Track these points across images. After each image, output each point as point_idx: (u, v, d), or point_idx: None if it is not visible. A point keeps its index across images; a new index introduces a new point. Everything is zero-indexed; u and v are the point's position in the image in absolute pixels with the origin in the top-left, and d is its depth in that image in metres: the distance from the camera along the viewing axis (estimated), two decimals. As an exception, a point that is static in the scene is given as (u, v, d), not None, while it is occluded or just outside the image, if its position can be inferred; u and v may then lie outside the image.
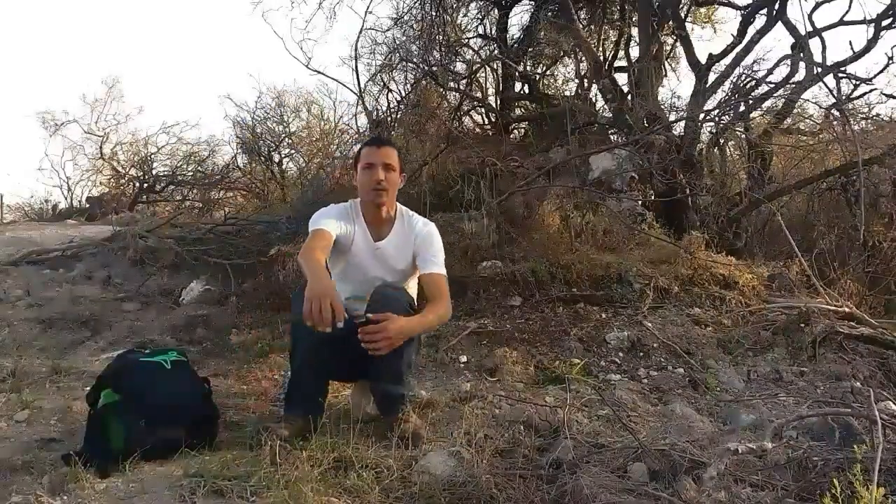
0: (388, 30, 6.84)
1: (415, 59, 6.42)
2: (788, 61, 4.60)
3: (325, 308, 1.83)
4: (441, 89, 6.34)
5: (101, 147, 13.05)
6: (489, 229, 4.11)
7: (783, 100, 4.62)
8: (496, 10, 7.19)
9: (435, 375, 3.01)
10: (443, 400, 2.58)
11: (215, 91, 32.24)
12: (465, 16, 7.35)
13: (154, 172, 12.68)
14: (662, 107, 5.33)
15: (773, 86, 4.63)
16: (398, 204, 2.38)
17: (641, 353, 3.21)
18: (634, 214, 4.74)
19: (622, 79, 6.22)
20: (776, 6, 4.70)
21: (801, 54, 4.48)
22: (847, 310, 3.35)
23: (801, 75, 4.47)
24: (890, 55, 4.38)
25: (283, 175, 9.89)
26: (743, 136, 4.77)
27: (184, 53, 35.33)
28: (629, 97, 5.37)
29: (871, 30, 4.41)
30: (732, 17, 6.57)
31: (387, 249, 2.32)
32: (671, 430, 2.20)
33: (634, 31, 6.38)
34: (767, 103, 4.70)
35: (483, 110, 7.06)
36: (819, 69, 4.37)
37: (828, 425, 2.03)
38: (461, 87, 6.54)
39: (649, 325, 3.38)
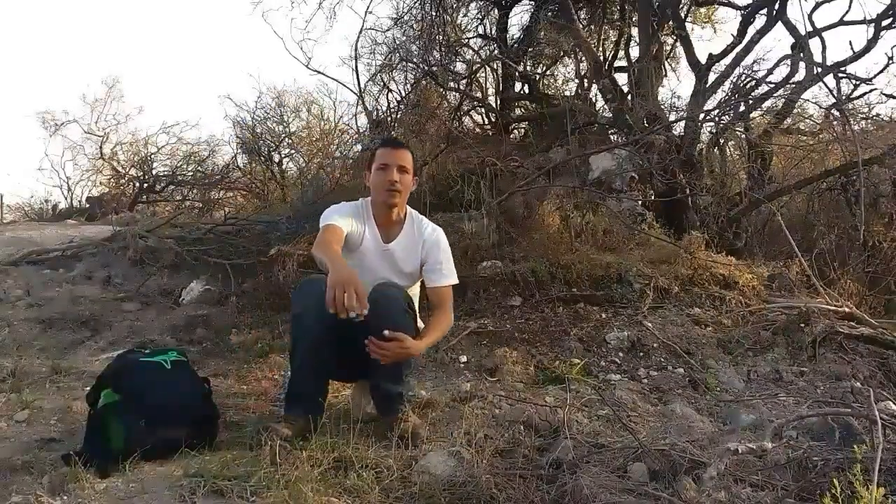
0: (388, 30, 6.85)
1: (415, 59, 6.43)
2: (788, 61, 4.60)
3: (350, 295, 1.85)
4: (441, 89, 6.34)
5: (101, 147, 13.05)
6: (489, 229, 4.11)
7: (783, 100, 4.62)
8: (496, 10, 7.19)
9: (435, 375, 3.01)
10: (443, 400, 2.58)
11: (215, 91, 32.26)
12: (465, 16, 7.37)
13: (154, 172, 12.68)
14: (662, 107, 5.32)
15: (773, 86, 4.63)
16: (408, 207, 2.39)
17: (641, 353, 3.21)
18: (634, 214, 4.74)
19: (622, 79, 6.22)
20: (776, 6, 4.70)
21: (801, 54, 4.48)
22: (847, 310, 3.35)
23: (801, 75, 4.47)
24: (890, 55, 4.38)
25: (283, 175, 9.89)
26: (743, 136, 4.77)
27: (184, 53, 35.37)
28: (629, 97, 5.37)
29: (871, 30, 4.42)
30: (732, 17, 6.59)
31: (395, 251, 2.33)
32: (671, 430, 2.20)
33: (634, 31, 6.38)
34: (767, 103, 4.71)
35: (483, 110, 7.06)
36: (819, 69, 4.37)
37: (828, 425, 2.03)
38: (461, 87, 6.54)
39: (649, 325, 3.38)
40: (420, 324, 2.34)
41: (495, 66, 7.08)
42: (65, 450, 2.04)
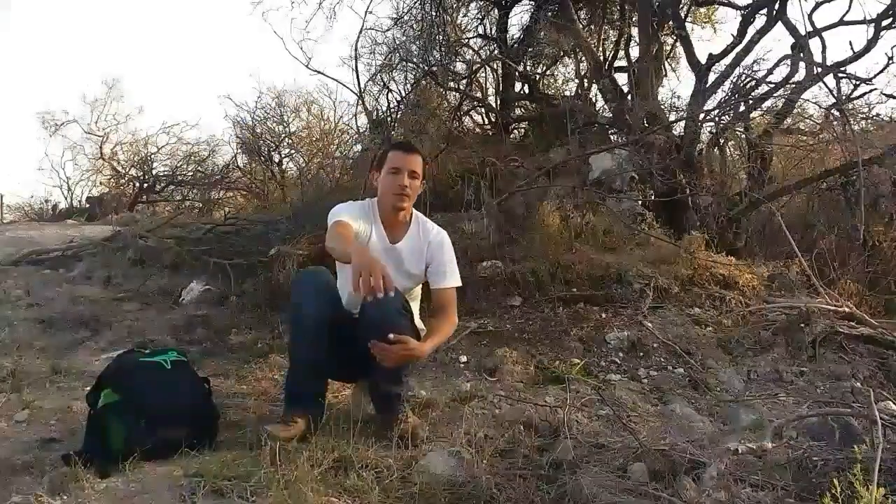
0: (388, 30, 6.85)
1: (415, 59, 6.43)
2: (788, 61, 4.60)
3: (377, 275, 1.84)
4: (441, 89, 6.35)
5: (101, 147, 13.08)
6: (489, 229, 4.11)
7: (783, 100, 4.62)
8: (496, 10, 7.20)
9: (435, 375, 3.01)
10: (443, 400, 2.58)
11: (215, 91, 32.24)
12: (465, 16, 7.37)
13: (154, 172, 12.70)
14: (662, 107, 5.33)
15: (773, 86, 4.62)
16: (413, 209, 2.40)
17: (641, 353, 3.21)
18: (634, 214, 4.74)
19: (622, 79, 6.23)
20: (776, 6, 4.70)
21: (801, 54, 4.48)
22: (847, 310, 3.35)
23: (801, 75, 4.47)
24: (890, 55, 4.37)
25: (283, 175, 9.89)
26: (743, 136, 4.77)
27: (184, 53, 35.35)
28: (629, 97, 5.37)
29: (871, 30, 4.41)
30: (732, 17, 6.59)
31: (402, 251, 2.33)
32: (671, 430, 2.20)
33: (634, 31, 6.38)
34: (767, 103, 4.70)
35: (483, 110, 7.06)
36: (819, 69, 4.37)
37: (828, 425, 2.03)
38: (461, 87, 6.54)
39: (649, 325, 3.37)
40: (419, 324, 2.34)
41: (495, 66, 7.08)
42: (65, 450, 2.04)
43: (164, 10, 32.91)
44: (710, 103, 4.78)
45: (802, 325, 3.27)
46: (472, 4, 7.28)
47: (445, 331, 2.27)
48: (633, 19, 6.31)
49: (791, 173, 4.99)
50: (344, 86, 10.50)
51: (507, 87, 7.14)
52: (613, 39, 6.96)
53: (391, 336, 2.02)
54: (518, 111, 7.29)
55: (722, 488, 1.61)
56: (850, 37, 6.66)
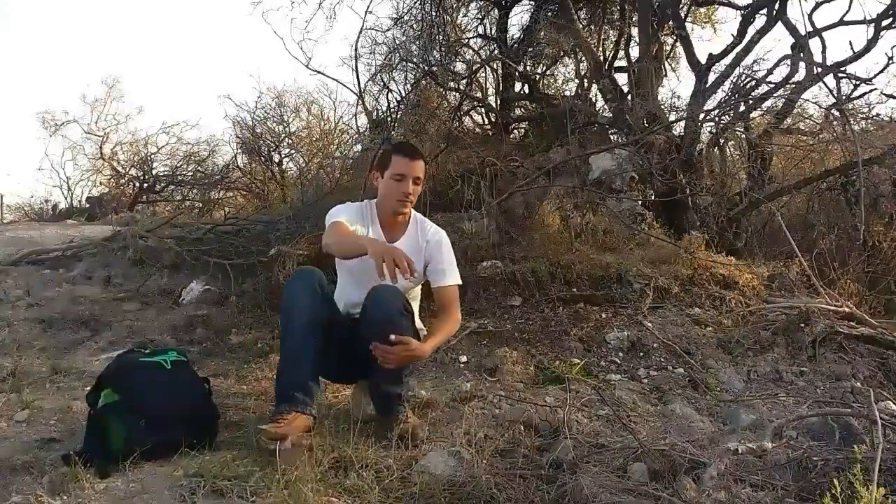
0: (388, 30, 6.84)
1: (415, 59, 6.42)
2: (788, 61, 4.59)
3: (400, 258, 1.89)
4: (441, 89, 6.34)
5: (101, 147, 13.05)
6: (489, 229, 4.10)
7: (783, 100, 4.62)
8: (496, 10, 7.19)
9: (435, 375, 3.01)
10: (443, 400, 2.58)
11: (215, 91, 32.18)
12: (465, 16, 7.36)
13: (154, 172, 12.68)
14: (662, 107, 5.33)
15: (773, 86, 4.62)
16: (412, 209, 2.41)
17: (641, 353, 3.21)
18: (634, 214, 4.74)
19: (622, 79, 6.22)
20: (776, 6, 4.70)
21: (801, 54, 4.48)
22: (847, 310, 3.35)
23: (801, 75, 4.46)
24: (890, 55, 4.37)
25: (283, 175, 9.87)
26: (743, 136, 4.77)
27: (184, 53, 35.32)
28: (629, 97, 5.37)
29: (871, 30, 4.40)
30: (732, 17, 6.57)
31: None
32: (671, 430, 2.20)
33: (634, 31, 6.37)
34: (767, 103, 4.69)
35: (483, 110, 7.05)
36: (819, 69, 4.36)
37: (828, 425, 2.04)
38: (461, 87, 6.53)
39: (649, 325, 3.38)
40: (419, 325, 2.34)
41: (495, 66, 7.07)
42: (65, 450, 2.04)
43: (164, 10, 32.91)
44: (710, 103, 4.78)
45: (802, 325, 3.27)
46: (472, 4, 7.28)
47: (447, 330, 2.27)
48: (633, 19, 6.30)
49: (791, 173, 4.99)
50: (344, 86, 10.50)
51: (507, 87, 7.14)
52: (613, 39, 6.96)
53: (392, 337, 2.02)
54: (518, 111, 7.29)
55: (722, 488, 1.61)
56: (850, 37, 6.68)
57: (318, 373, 2.20)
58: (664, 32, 5.89)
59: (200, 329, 3.84)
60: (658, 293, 3.70)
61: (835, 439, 1.97)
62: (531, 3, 7.01)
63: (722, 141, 5.02)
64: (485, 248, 4.05)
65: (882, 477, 1.46)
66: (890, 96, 4.69)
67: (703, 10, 6.62)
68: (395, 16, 6.83)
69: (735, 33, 4.96)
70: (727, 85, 4.75)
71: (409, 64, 6.45)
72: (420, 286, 2.45)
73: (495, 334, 3.37)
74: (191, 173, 12.33)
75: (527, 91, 7.00)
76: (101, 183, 13.59)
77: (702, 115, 4.64)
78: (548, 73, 7.57)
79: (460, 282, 2.39)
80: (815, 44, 4.60)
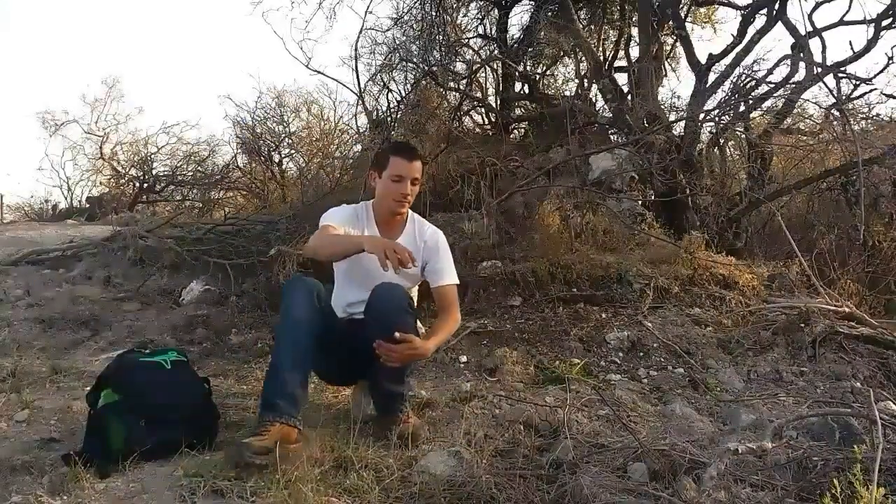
0: (388, 30, 6.84)
1: (415, 59, 6.42)
2: (788, 61, 4.59)
3: (401, 250, 1.94)
4: (441, 89, 6.34)
5: (101, 147, 13.06)
6: (489, 229, 4.10)
7: (783, 100, 4.61)
8: (496, 10, 7.19)
9: (435, 375, 3.01)
10: (443, 400, 2.58)
11: (215, 91, 32.24)
12: (465, 16, 7.35)
13: (154, 172, 12.69)
14: (662, 107, 5.33)
15: (773, 86, 4.62)
16: (409, 209, 2.41)
17: (641, 353, 3.21)
18: (634, 214, 4.74)
19: (622, 79, 6.22)
20: (776, 6, 4.70)
21: (801, 54, 4.47)
22: (847, 310, 3.35)
23: (801, 75, 4.46)
24: (890, 55, 4.37)
25: (283, 175, 9.86)
26: (743, 136, 4.76)
27: (184, 53, 35.37)
28: (629, 97, 5.36)
29: (871, 30, 4.40)
30: (732, 17, 6.58)
31: None
32: (671, 430, 2.20)
33: (634, 31, 6.38)
34: (767, 103, 4.69)
35: (483, 110, 7.05)
36: (819, 69, 4.36)
37: (828, 425, 2.03)
38: (461, 87, 6.53)
39: (649, 325, 3.37)
40: (419, 326, 2.34)
41: (495, 66, 7.07)
42: (65, 450, 2.04)
43: (164, 10, 32.93)
44: (710, 103, 4.78)
45: (802, 325, 3.27)
46: (472, 4, 7.28)
47: (448, 328, 2.27)
48: (633, 19, 6.30)
49: (791, 173, 4.99)
50: (344, 86, 10.49)
51: (507, 87, 7.13)
52: (613, 39, 6.96)
53: (397, 335, 2.02)
54: (518, 111, 7.28)
55: (722, 488, 1.61)
56: (850, 37, 6.68)
57: (306, 382, 2.14)
58: (664, 32, 5.88)
59: (200, 329, 3.84)
60: (658, 293, 3.70)
61: (835, 439, 1.97)
62: (531, 3, 7.01)
63: (722, 141, 5.02)
64: (485, 248, 4.05)
65: (882, 477, 1.46)
66: (890, 96, 4.70)
67: (703, 10, 6.62)
68: (395, 16, 6.84)
69: (735, 33, 4.97)
70: (727, 85, 4.75)
71: (409, 64, 6.45)
72: (417, 287, 2.45)
73: (495, 334, 3.37)
74: (191, 173, 12.34)
75: (527, 91, 7.00)
76: (101, 183, 13.61)
77: (702, 115, 4.64)
78: (548, 73, 7.57)
79: (458, 281, 2.40)
80: (815, 44, 4.61)
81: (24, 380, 2.88)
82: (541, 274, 3.78)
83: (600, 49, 6.65)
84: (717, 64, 4.96)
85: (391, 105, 6.59)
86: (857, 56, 4.36)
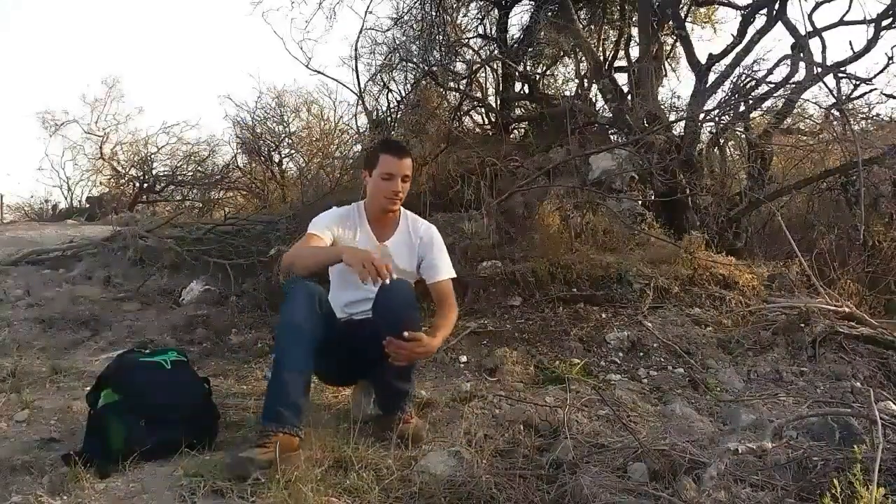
0: (388, 30, 6.84)
1: (415, 59, 6.42)
2: (788, 61, 4.59)
3: (379, 263, 1.93)
4: (441, 89, 6.34)
5: (101, 147, 13.06)
6: (489, 229, 4.10)
7: (783, 100, 4.61)
8: (496, 10, 7.19)
9: (435, 375, 3.01)
10: (443, 400, 2.58)
11: (215, 91, 32.25)
12: (465, 16, 7.35)
13: (154, 172, 12.70)
14: (662, 107, 5.32)
15: (773, 86, 4.62)
16: (400, 206, 2.41)
17: (641, 353, 3.21)
18: (634, 214, 4.73)
19: (622, 79, 6.22)
20: (776, 6, 4.70)
21: (801, 54, 4.47)
22: (847, 310, 3.35)
23: (801, 75, 4.46)
24: (890, 55, 4.36)
25: (283, 175, 9.87)
26: (743, 136, 4.76)
27: (184, 53, 35.38)
28: (629, 97, 5.36)
29: (871, 30, 4.40)
30: (732, 17, 6.58)
31: (391, 248, 2.35)
32: (671, 430, 2.20)
33: (634, 31, 6.38)
34: (767, 103, 4.69)
35: (483, 110, 7.05)
36: (819, 69, 4.36)
37: (828, 425, 2.04)
38: (461, 87, 6.53)
39: (649, 325, 3.37)
40: None
41: (495, 66, 7.07)
42: (65, 450, 2.04)
43: (164, 10, 32.93)
44: (710, 103, 4.78)
45: (802, 325, 3.27)
46: (472, 4, 7.28)
47: (450, 321, 2.28)
48: (633, 19, 6.30)
49: (791, 173, 4.99)
50: (344, 86, 10.50)
51: (507, 87, 7.13)
52: (613, 39, 6.96)
53: (406, 334, 2.02)
54: (518, 111, 7.28)
55: (722, 488, 1.61)
56: (850, 37, 6.68)
57: (308, 389, 2.13)
58: (664, 32, 5.88)
59: (200, 329, 3.84)
60: (658, 293, 3.70)
61: (835, 439, 1.97)
62: (531, 3, 7.01)
63: (722, 141, 5.02)
64: (485, 248, 4.05)
65: (882, 477, 1.46)
66: (890, 96, 4.70)
67: (703, 10, 6.62)
68: (395, 16, 6.84)
69: (735, 33, 4.97)
70: (727, 85, 4.75)
71: (409, 64, 6.45)
72: (413, 283, 2.45)
73: (495, 334, 3.37)
74: (191, 173, 12.34)
75: (527, 91, 7.00)
76: (101, 183, 13.62)
77: (702, 115, 4.64)
78: (548, 73, 7.57)
79: (454, 274, 2.40)
80: (815, 44, 4.61)
81: (24, 380, 2.88)
82: (541, 274, 3.78)
83: (600, 49, 6.65)
84: (717, 64, 4.96)
85: (391, 105, 6.60)
86: (857, 56, 4.36)
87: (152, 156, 12.76)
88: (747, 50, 4.76)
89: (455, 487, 1.77)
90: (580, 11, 6.54)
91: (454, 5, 7.03)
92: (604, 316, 3.53)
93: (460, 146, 5.37)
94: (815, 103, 4.69)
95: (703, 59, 5.04)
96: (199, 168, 12.20)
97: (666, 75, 6.29)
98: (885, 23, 4.39)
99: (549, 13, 6.40)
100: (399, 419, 2.17)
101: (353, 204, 2.43)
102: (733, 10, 5.90)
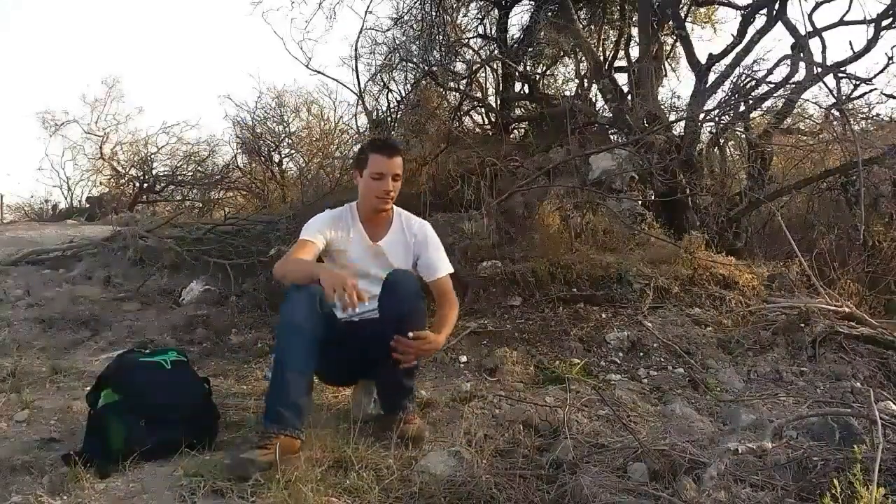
0: (388, 30, 6.85)
1: (415, 59, 6.43)
2: (788, 61, 4.59)
3: (350, 291, 1.90)
4: (441, 89, 6.34)
5: (101, 147, 13.06)
6: (489, 229, 4.10)
7: (783, 100, 4.61)
8: (496, 10, 7.19)
9: (435, 375, 3.01)
10: (443, 400, 2.58)
11: (215, 91, 32.25)
12: (465, 16, 7.36)
13: (154, 172, 12.70)
14: (662, 107, 5.32)
15: (773, 86, 4.62)
16: (393, 205, 2.41)
17: (641, 353, 3.21)
18: (634, 214, 4.73)
19: (622, 79, 6.22)
20: (776, 6, 4.70)
21: (801, 54, 4.47)
22: (847, 310, 3.35)
23: (801, 75, 4.46)
24: (890, 55, 4.36)
25: (283, 175, 9.87)
26: (743, 136, 4.76)
27: (184, 53, 35.38)
28: (629, 97, 5.36)
29: (871, 30, 4.40)
30: (732, 17, 6.58)
31: (385, 248, 2.35)
32: (671, 430, 2.20)
33: (634, 31, 6.38)
34: (767, 103, 4.69)
35: (483, 110, 7.05)
36: (819, 69, 4.36)
37: (828, 425, 2.03)
38: (461, 87, 6.53)
39: (649, 325, 3.37)
40: None
41: (495, 66, 7.07)
42: (65, 450, 2.04)
43: (164, 10, 32.93)
44: (710, 103, 4.78)
45: (802, 325, 3.27)
46: (472, 4, 7.28)
47: (453, 316, 2.28)
48: (633, 19, 6.30)
49: (791, 173, 4.99)
50: (344, 86, 10.51)
51: (507, 87, 7.14)
52: (613, 39, 6.96)
53: (410, 334, 2.03)
54: (518, 111, 7.29)
55: (722, 488, 1.61)
56: (850, 37, 6.68)
57: (310, 390, 2.15)
58: (664, 32, 5.88)
59: (200, 329, 3.84)
60: (658, 293, 3.70)
61: (835, 439, 1.97)
62: (531, 3, 7.02)
63: (722, 141, 5.02)
64: (485, 248, 4.04)
65: (882, 477, 1.46)
66: (890, 96, 4.70)
67: (703, 10, 6.62)
68: (395, 16, 6.85)
69: (735, 33, 4.97)
70: (727, 85, 4.75)
71: (409, 64, 6.46)
72: None
73: (495, 334, 3.37)
74: (191, 173, 12.35)
75: (527, 91, 7.00)
76: (101, 183, 13.62)
77: (702, 115, 4.64)
78: (548, 73, 7.57)
79: (452, 269, 2.40)
80: (815, 44, 4.60)
81: (24, 380, 2.88)
82: (541, 274, 3.78)
83: (600, 49, 6.65)
84: (717, 64, 4.96)
85: (391, 105, 6.61)
86: (857, 56, 4.36)
87: (152, 156, 12.77)
88: (747, 50, 4.76)
89: (455, 487, 1.77)
90: (580, 11, 6.54)
91: (454, 5, 7.04)
92: (604, 316, 3.53)
93: (460, 146, 5.38)
94: (815, 103, 4.70)
95: (703, 59, 5.04)
96: (199, 168, 12.21)
97: (666, 75, 6.30)
98: (885, 23, 4.38)
99: (549, 13, 6.40)
100: (401, 419, 2.16)
101: (345, 205, 2.42)
102: (733, 10, 5.90)
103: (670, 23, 5.68)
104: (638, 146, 4.39)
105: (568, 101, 5.75)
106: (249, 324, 3.87)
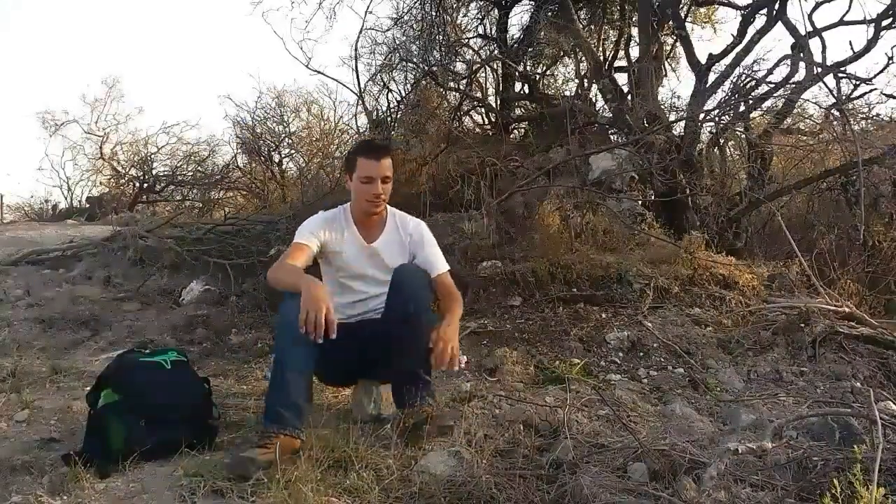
0: (388, 30, 6.85)
1: (415, 59, 6.43)
2: (788, 61, 4.59)
3: (321, 320, 1.89)
4: (441, 89, 6.34)
5: (101, 147, 13.06)
6: (489, 229, 4.10)
7: (783, 100, 4.61)
8: (496, 10, 7.19)
9: (435, 375, 3.00)
10: (443, 400, 2.58)
11: (215, 91, 32.23)
12: (465, 16, 7.36)
13: (154, 172, 12.69)
14: (662, 107, 5.32)
15: (773, 86, 4.61)
16: (387, 205, 2.41)
17: (641, 353, 3.21)
18: (634, 214, 4.73)
19: (622, 79, 6.22)
20: (776, 6, 4.69)
21: (801, 54, 4.47)
22: (847, 310, 3.35)
23: (801, 75, 4.45)
24: (890, 55, 4.36)
25: (283, 175, 9.88)
26: (743, 136, 4.76)
27: (184, 53, 35.34)
28: (629, 97, 5.37)
29: (871, 30, 4.40)
30: (732, 17, 6.56)
31: (380, 249, 2.35)
32: (671, 430, 2.20)
33: (634, 31, 6.38)
34: (767, 103, 4.69)
35: (483, 110, 7.06)
36: (819, 69, 4.36)
37: (828, 425, 2.03)
38: (461, 87, 6.54)
39: (649, 325, 3.37)
40: None
41: (495, 66, 7.07)
42: (65, 450, 2.05)
43: (164, 10, 32.91)
44: (710, 103, 4.77)
45: (802, 325, 3.27)
46: (472, 4, 7.28)
47: (459, 308, 2.27)
48: (633, 19, 6.30)
49: (791, 173, 4.99)
50: (344, 86, 10.50)
51: (507, 87, 7.14)
52: (613, 39, 6.96)
53: (431, 345, 2.04)
54: (518, 111, 7.29)
55: (722, 488, 1.61)
56: (850, 37, 6.66)
57: (310, 390, 2.15)
58: (664, 32, 5.88)
59: (200, 329, 3.84)
60: (658, 293, 3.69)
61: (835, 439, 1.97)
62: (531, 3, 7.02)
63: (722, 141, 5.02)
64: (485, 248, 4.05)
65: (882, 477, 1.46)
66: (890, 96, 4.69)
67: (703, 10, 6.61)
68: (395, 16, 6.85)
69: (735, 33, 4.96)
70: (727, 85, 4.75)
71: (409, 64, 6.46)
72: None
73: (495, 334, 3.37)
74: (191, 173, 12.35)
75: (527, 91, 7.00)
76: (101, 183, 13.62)
77: (702, 115, 4.63)
78: (548, 73, 7.57)
79: (448, 266, 2.41)
80: (815, 44, 4.60)
81: (24, 380, 2.89)
82: (541, 274, 3.78)
83: (600, 49, 6.65)
84: (717, 64, 4.95)
85: (391, 105, 6.61)
86: (857, 56, 4.36)
87: (152, 156, 12.76)
88: (747, 50, 4.76)
89: (455, 487, 1.77)
90: (580, 11, 6.54)
91: (454, 5, 7.04)
92: (604, 316, 3.53)
93: (460, 146, 5.38)
94: (815, 103, 4.69)
95: (703, 59, 5.04)
96: (199, 168, 12.21)
97: (666, 75, 6.30)
98: (885, 23, 4.38)
99: (549, 13, 6.40)
100: (419, 409, 2.13)
101: (339, 206, 2.42)
102: (733, 10, 5.90)
103: (670, 23, 5.68)
104: (638, 146, 4.39)
105: (568, 101, 5.75)
106: (249, 324, 3.88)
